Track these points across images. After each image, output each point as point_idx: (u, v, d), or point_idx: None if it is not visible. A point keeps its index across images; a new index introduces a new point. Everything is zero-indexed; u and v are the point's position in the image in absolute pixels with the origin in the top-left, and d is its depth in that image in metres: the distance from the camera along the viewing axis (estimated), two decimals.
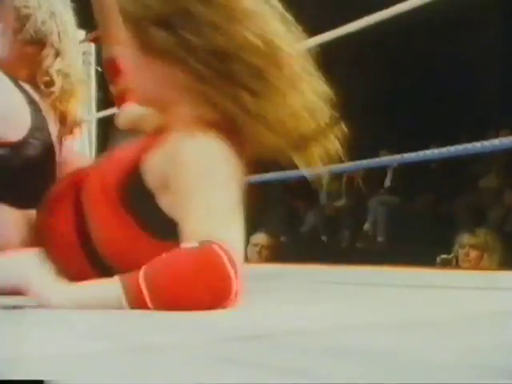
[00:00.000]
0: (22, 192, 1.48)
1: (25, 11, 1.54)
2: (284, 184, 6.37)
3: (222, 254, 1.06)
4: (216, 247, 1.06)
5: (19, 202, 1.47)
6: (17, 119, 1.49)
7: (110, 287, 1.07)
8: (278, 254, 4.73)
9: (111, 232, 1.31)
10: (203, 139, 1.17)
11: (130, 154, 1.31)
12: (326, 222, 6.35)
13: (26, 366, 0.61)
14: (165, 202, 1.21)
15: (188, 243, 1.09)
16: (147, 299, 1.05)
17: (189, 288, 1.06)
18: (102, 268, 1.29)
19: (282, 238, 6.02)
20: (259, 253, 4.61)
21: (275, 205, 6.57)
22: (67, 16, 1.58)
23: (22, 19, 1.54)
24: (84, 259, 1.33)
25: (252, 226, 4.96)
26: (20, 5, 1.53)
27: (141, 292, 1.05)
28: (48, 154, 1.54)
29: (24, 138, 1.49)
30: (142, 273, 1.06)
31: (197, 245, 1.08)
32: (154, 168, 1.23)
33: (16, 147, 1.48)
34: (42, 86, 1.56)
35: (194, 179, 1.15)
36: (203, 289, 1.05)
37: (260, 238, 4.70)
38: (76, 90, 1.59)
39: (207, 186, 1.15)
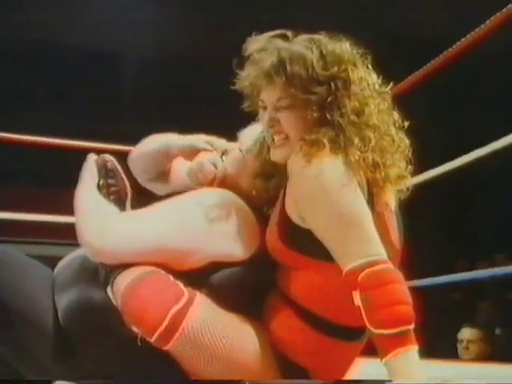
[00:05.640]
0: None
1: None
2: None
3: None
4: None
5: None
6: (245, 237, 1.48)
7: None
8: (493, 349, 4.22)
9: (300, 276, 1.44)
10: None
11: (276, 208, 1.47)
12: None
13: None
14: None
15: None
16: None
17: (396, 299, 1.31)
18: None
19: (497, 331, 5.38)
20: (466, 348, 4.13)
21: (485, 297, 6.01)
22: None
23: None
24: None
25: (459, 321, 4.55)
26: None
27: None
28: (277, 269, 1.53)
29: (251, 257, 1.48)
30: None
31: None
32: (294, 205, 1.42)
33: (245, 265, 1.47)
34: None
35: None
36: None
37: (465, 331, 4.21)
38: None
39: None
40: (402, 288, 1.30)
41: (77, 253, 1.60)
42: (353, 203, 1.35)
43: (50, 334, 1.49)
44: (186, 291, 1.39)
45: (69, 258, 1.61)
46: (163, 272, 1.42)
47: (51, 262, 1.66)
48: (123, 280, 1.40)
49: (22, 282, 1.52)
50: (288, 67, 1.42)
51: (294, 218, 1.41)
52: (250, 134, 1.64)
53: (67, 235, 1.74)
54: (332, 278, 1.38)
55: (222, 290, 1.45)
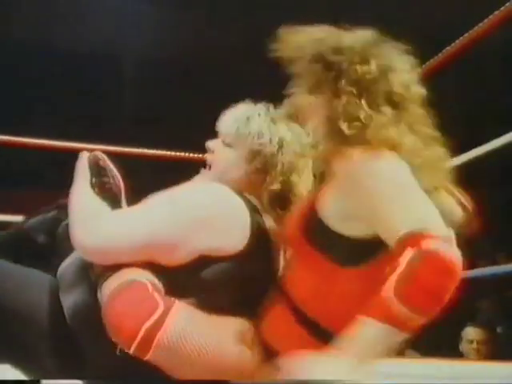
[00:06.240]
0: (244, 303, 1.47)
1: (257, 147, 1.60)
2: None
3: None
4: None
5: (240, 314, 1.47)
6: (235, 231, 1.48)
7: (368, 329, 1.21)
8: (495, 348, 4.17)
9: (310, 276, 1.42)
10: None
11: (304, 201, 1.49)
12: None
13: None
14: (350, 227, 1.36)
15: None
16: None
17: (436, 292, 1.18)
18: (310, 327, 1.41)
19: (498, 329, 5.36)
20: (477, 350, 4.02)
21: (486, 296, 5.99)
22: (294, 146, 1.62)
23: (254, 153, 1.60)
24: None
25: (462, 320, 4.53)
26: (254, 142, 1.60)
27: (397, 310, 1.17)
28: (269, 263, 1.53)
29: (242, 251, 1.47)
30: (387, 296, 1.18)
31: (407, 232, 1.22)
32: (331, 203, 1.40)
33: (235, 259, 1.47)
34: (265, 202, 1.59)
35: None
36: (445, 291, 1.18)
37: (473, 332, 4.14)
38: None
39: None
40: (451, 289, 1.21)
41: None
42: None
43: (55, 337, 1.50)
44: (162, 302, 1.39)
45: (72, 258, 1.61)
46: (144, 281, 1.41)
47: None
48: (106, 289, 1.41)
49: (23, 289, 1.53)
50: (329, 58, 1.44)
51: (323, 214, 1.41)
52: (230, 120, 1.64)
53: None
54: (339, 285, 1.37)
55: (211, 286, 1.45)
